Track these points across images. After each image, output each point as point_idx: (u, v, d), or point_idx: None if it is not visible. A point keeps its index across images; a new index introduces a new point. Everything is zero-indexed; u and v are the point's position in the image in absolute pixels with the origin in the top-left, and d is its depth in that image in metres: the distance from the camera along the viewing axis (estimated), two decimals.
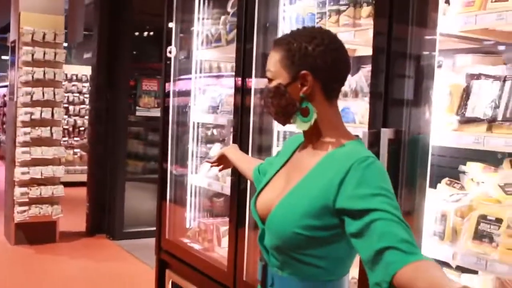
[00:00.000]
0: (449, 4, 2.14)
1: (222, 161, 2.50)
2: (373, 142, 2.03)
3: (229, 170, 3.39)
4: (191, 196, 3.88)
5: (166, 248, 3.78)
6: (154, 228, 7.85)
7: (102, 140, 7.83)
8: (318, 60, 1.63)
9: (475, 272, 2.21)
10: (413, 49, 2.03)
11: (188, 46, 3.83)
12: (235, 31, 3.55)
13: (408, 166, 2.01)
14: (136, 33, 8.10)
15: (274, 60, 1.68)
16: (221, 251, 3.40)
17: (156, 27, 8.45)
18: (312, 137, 1.71)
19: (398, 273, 1.34)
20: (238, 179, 2.95)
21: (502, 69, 2.16)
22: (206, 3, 3.86)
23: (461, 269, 2.20)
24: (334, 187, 1.54)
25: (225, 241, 3.40)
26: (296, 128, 1.70)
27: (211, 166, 2.59)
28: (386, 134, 2.00)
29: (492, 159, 2.34)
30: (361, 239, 1.46)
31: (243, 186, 2.93)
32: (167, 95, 3.79)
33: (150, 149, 8.28)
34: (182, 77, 3.81)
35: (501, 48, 2.45)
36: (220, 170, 2.58)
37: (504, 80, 2.01)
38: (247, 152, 2.88)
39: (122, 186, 7.74)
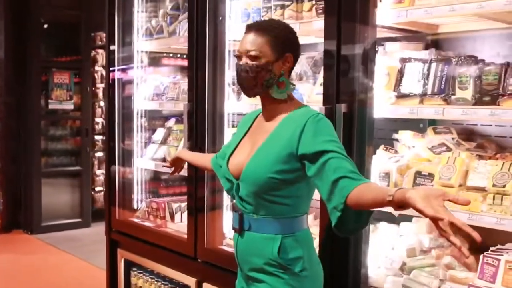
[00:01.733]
0: (380, 1, 2.65)
1: (177, 163, 2.94)
2: (329, 116, 2.50)
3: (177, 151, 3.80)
4: (137, 177, 4.21)
5: (117, 228, 4.10)
6: (73, 220, 8.08)
7: (14, 135, 7.90)
8: (295, 45, 2.24)
9: (410, 220, 2.76)
10: (356, 38, 2.51)
11: (129, 38, 4.14)
12: (175, 23, 3.95)
13: (358, 134, 2.50)
14: (45, 26, 8.17)
15: (261, 42, 2.17)
16: (174, 226, 3.78)
17: (64, 20, 8.58)
18: (274, 105, 2.24)
19: (350, 193, 1.86)
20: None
21: (426, 53, 2.72)
22: None
23: (401, 218, 2.74)
24: (296, 137, 2.09)
25: (177, 217, 3.79)
26: (275, 96, 2.21)
27: (166, 166, 3.01)
28: (341, 108, 2.48)
29: (416, 128, 2.90)
30: (319, 176, 1.99)
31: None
32: (111, 84, 4.10)
33: (53, 143, 8.41)
34: (123, 67, 4.13)
35: (420, 35, 3.01)
36: (172, 174, 3.02)
37: (430, 62, 2.55)
38: (204, 134, 3.29)
39: (38, 180, 7.86)
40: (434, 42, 2.98)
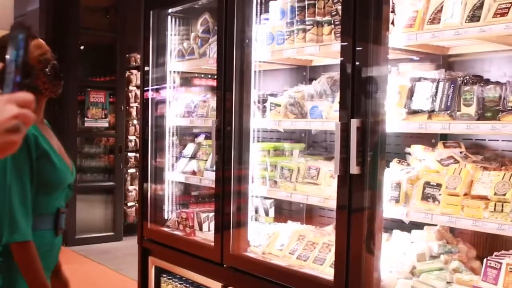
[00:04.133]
0: (393, 25, 2.88)
1: None
2: (344, 130, 2.73)
3: (206, 165, 4.06)
4: (168, 190, 4.46)
5: (148, 236, 4.35)
6: (106, 234, 8.37)
7: None
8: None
9: (422, 228, 2.96)
10: (370, 60, 2.74)
11: (162, 59, 4.42)
12: (205, 45, 4.22)
13: (371, 147, 2.71)
14: (82, 47, 8.56)
15: None
16: (202, 235, 4.01)
17: (101, 41, 8.97)
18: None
19: None
20: (222, 171, 3.59)
21: (435, 73, 2.94)
22: (175, 22, 4.48)
23: (412, 227, 2.94)
24: None
25: (205, 226, 4.03)
26: None
27: None
28: (354, 123, 2.70)
29: (429, 143, 3.11)
30: None
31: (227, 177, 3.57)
32: (145, 103, 4.38)
33: (88, 160, 8.74)
34: (156, 86, 4.41)
35: (432, 57, 3.22)
36: None
37: (438, 82, 2.76)
38: (230, 148, 3.53)
39: (73, 195, 8.17)
40: (445, 63, 3.19)
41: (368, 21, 2.72)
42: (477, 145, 3.04)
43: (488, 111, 2.53)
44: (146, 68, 4.42)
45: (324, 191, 3.18)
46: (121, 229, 8.56)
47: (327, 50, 3.19)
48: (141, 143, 4.52)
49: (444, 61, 3.19)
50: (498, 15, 2.49)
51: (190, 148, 4.42)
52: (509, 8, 2.47)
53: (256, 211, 3.91)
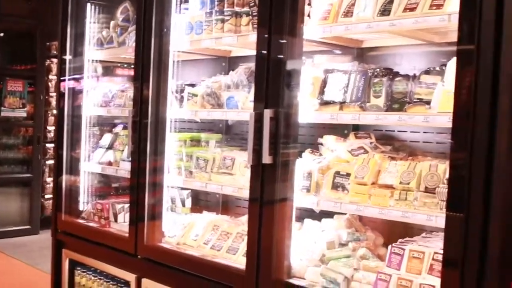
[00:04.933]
0: (310, 17, 2.93)
1: None
2: (258, 120, 2.75)
3: (123, 155, 4.01)
4: (84, 181, 4.39)
5: (63, 229, 4.27)
6: (22, 227, 8.13)
7: None
8: None
9: (332, 217, 3.03)
10: (285, 51, 2.77)
11: (81, 48, 4.33)
12: (125, 34, 4.17)
13: (283, 137, 2.75)
14: (1, 34, 8.29)
15: None
16: (117, 226, 3.97)
17: (20, 29, 8.70)
18: None
19: None
20: (138, 162, 3.56)
21: (348, 65, 3.01)
22: (95, 9, 4.40)
23: (324, 215, 3.01)
24: None
25: (121, 217, 3.98)
26: None
27: None
28: (268, 113, 2.73)
29: (341, 133, 3.18)
30: None
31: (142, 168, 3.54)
32: (62, 93, 4.29)
33: (5, 152, 8.48)
34: (75, 76, 4.32)
35: (347, 50, 3.30)
36: None
37: (350, 74, 2.83)
38: (146, 138, 3.50)
39: None
40: (359, 56, 3.27)
41: (284, 13, 2.77)
42: (387, 136, 3.13)
43: (396, 103, 2.61)
44: (63, 57, 4.33)
45: (238, 181, 3.20)
46: (38, 222, 8.34)
47: (245, 41, 3.22)
48: (56, 133, 4.43)
49: (359, 53, 3.27)
50: (408, 10, 2.57)
51: (107, 138, 4.36)
52: (418, 3, 2.55)
53: (173, 202, 3.90)
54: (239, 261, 3.07)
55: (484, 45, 2.05)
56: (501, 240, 2.04)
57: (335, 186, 2.76)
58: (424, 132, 2.98)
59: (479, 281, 2.08)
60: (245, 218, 3.41)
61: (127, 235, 3.67)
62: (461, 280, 2.11)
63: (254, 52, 2.89)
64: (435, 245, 2.54)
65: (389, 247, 2.60)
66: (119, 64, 4.85)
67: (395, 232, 2.96)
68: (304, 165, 2.91)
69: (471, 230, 2.08)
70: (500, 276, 2.04)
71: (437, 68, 2.57)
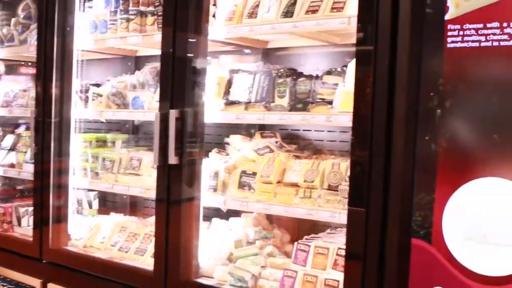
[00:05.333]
0: (215, 18, 2.94)
1: None
2: (164, 120, 2.74)
3: (26, 157, 3.88)
4: None
5: None
6: None
7: None
8: None
9: (240, 216, 3.05)
10: (191, 51, 2.77)
11: None
12: (27, 32, 4.03)
13: (191, 138, 2.75)
14: None
15: None
16: (21, 231, 3.84)
17: None
18: None
19: None
20: (41, 164, 3.45)
21: (253, 66, 3.04)
22: None
23: (232, 214, 3.03)
24: None
25: (24, 221, 3.85)
26: None
27: None
28: (173, 114, 2.72)
29: (247, 133, 3.21)
30: None
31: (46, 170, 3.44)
32: None
33: None
34: None
35: (253, 50, 3.33)
36: None
37: (255, 74, 2.86)
38: (50, 139, 3.40)
39: None
40: (265, 56, 3.31)
41: (189, 13, 2.76)
42: (292, 135, 3.18)
43: (300, 103, 2.66)
44: None
45: (145, 181, 3.17)
46: None
47: (150, 41, 3.18)
48: None
49: (264, 54, 3.31)
50: (310, 12, 2.63)
51: (9, 140, 4.20)
52: (319, 6, 2.61)
53: (80, 204, 3.80)
54: (147, 262, 3.04)
55: (381, 47, 2.13)
56: (399, 233, 2.11)
57: (241, 185, 2.78)
58: (328, 131, 3.06)
59: (379, 273, 2.16)
60: (153, 219, 3.37)
61: (31, 239, 3.56)
62: (363, 273, 2.18)
63: (159, 52, 2.87)
64: (339, 241, 2.61)
65: (295, 244, 2.65)
66: (23, 63, 4.68)
67: (301, 229, 3.02)
68: (211, 164, 2.92)
69: (371, 224, 2.16)
70: (399, 268, 2.12)
71: (339, 69, 2.63)
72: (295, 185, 2.64)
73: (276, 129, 3.18)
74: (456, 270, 1.97)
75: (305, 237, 2.73)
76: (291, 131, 3.19)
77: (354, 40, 2.23)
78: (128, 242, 3.24)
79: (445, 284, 2.00)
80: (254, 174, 2.76)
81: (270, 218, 3.10)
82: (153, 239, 2.99)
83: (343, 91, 2.49)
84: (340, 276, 2.39)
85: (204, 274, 2.82)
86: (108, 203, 4.07)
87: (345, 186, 2.42)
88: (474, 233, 1.96)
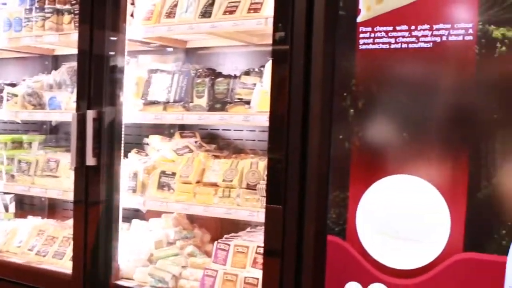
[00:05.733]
0: (133, 17, 2.90)
1: None
2: (81, 121, 2.68)
3: None
4: None
5: None
6: None
7: None
8: None
9: (159, 216, 3.03)
10: (108, 50, 2.72)
11: None
12: None
13: (108, 138, 2.70)
14: None
15: None
16: None
17: None
18: None
19: None
20: None
21: (172, 66, 3.02)
22: None
23: (152, 215, 3.00)
24: None
25: None
26: None
27: None
28: (91, 114, 2.66)
29: (167, 133, 3.19)
30: None
31: None
32: None
33: None
34: None
35: (172, 50, 3.30)
36: None
37: (174, 74, 2.85)
38: None
39: None
40: (185, 56, 3.29)
41: (106, 11, 2.71)
42: (212, 134, 3.18)
43: (218, 103, 2.66)
44: None
45: (63, 183, 3.10)
46: None
47: (67, 40, 3.11)
48: None
49: (184, 54, 3.29)
50: (228, 13, 2.63)
51: None
52: (237, 7, 2.62)
53: None
54: (66, 266, 2.96)
55: (296, 47, 2.15)
56: (315, 230, 2.15)
57: (161, 186, 2.76)
58: (248, 130, 3.07)
59: (297, 270, 2.18)
60: (72, 221, 3.30)
61: None
62: (281, 270, 2.21)
63: (77, 51, 2.81)
64: (258, 239, 2.62)
65: (215, 243, 2.65)
66: None
67: (222, 228, 3.03)
68: (130, 165, 2.88)
69: (288, 222, 2.18)
70: (315, 264, 2.15)
71: (256, 69, 2.65)
72: (214, 184, 2.64)
73: (196, 129, 3.17)
74: (370, 265, 2.02)
75: (225, 236, 2.74)
76: (210, 130, 3.19)
77: (271, 41, 2.24)
78: (46, 245, 3.15)
79: (359, 278, 2.04)
80: (174, 174, 2.74)
81: (191, 218, 3.08)
82: (72, 241, 2.92)
83: (260, 91, 2.51)
84: (259, 274, 2.40)
85: (124, 276, 2.78)
86: (25, 206, 3.94)
87: (263, 185, 2.44)
88: (387, 228, 2.01)
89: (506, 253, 1.83)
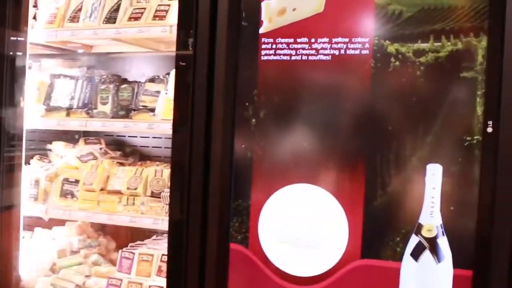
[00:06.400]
0: (36, 20, 2.80)
1: None
2: None
3: None
4: None
5: None
6: None
7: None
8: None
9: (63, 225, 2.93)
10: (9, 52, 2.61)
11: None
12: None
13: (9, 145, 2.59)
14: None
15: None
16: None
17: None
18: None
19: None
20: None
21: (76, 71, 2.93)
22: None
23: (57, 223, 2.90)
24: None
25: None
26: None
27: None
28: None
29: (72, 139, 3.09)
30: None
31: None
32: None
33: None
34: None
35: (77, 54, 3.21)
36: None
37: (77, 79, 2.76)
38: None
39: None
40: (90, 61, 3.20)
41: (6, 12, 2.60)
42: (117, 141, 3.11)
43: (122, 110, 2.61)
44: None
45: None
46: None
47: None
48: None
49: (89, 59, 3.20)
50: (133, 19, 2.58)
51: None
52: (142, 13, 2.57)
53: None
54: None
55: (200, 56, 2.13)
56: (218, 238, 2.14)
57: (64, 194, 2.67)
58: (154, 137, 3.02)
59: (200, 278, 2.17)
60: None
61: None
62: (184, 278, 2.18)
63: None
64: (163, 247, 2.59)
65: (120, 251, 2.60)
66: None
67: (128, 236, 2.97)
68: (32, 172, 2.77)
69: (191, 230, 2.16)
70: (218, 273, 2.15)
71: (161, 77, 2.62)
72: (118, 192, 2.59)
73: (102, 135, 3.09)
74: (272, 273, 2.03)
75: (130, 244, 2.69)
76: (116, 137, 3.12)
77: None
78: None
79: (262, 286, 2.05)
80: (77, 181, 2.66)
81: (96, 225, 3.00)
82: None
83: (165, 99, 2.48)
84: (164, 282, 2.37)
85: (26, 286, 2.67)
86: None
87: (167, 193, 2.41)
88: (288, 236, 2.03)
89: (400, 259, 1.89)
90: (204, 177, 2.14)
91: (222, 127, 2.12)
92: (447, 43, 1.84)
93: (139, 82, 2.68)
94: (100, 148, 2.92)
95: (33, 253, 2.78)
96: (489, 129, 1.79)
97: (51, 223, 2.90)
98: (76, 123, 2.66)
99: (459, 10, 1.84)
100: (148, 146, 3.04)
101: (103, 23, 2.62)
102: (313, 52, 2.00)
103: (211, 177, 2.14)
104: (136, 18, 2.57)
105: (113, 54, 3.11)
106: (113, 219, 2.54)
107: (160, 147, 2.98)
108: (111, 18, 2.62)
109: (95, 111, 2.64)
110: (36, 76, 2.83)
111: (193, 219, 2.16)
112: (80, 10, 2.72)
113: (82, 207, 2.61)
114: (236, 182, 2.10)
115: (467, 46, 1.82)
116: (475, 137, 1.81)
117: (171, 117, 2.22)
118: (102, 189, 2.63)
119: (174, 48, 2.50)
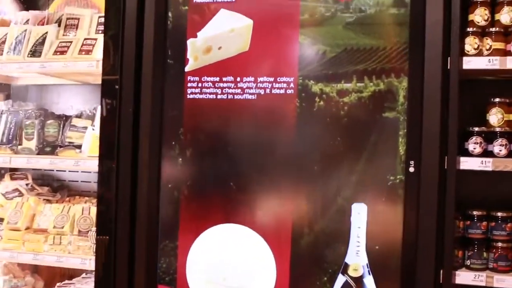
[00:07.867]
0: None
1: None
2: None
3: None
4: None
5: None
6: None
7: None
8: None
9: None
10: None
11: None
12: None
13: None
14: None
15: None
16: None
17: None
18: None
19: None
20: None
21: (2, 104, 2.80)
22: None
23: None
24: None
25: None
26: None
27: None
28: None
29: None
30: None
31: None
32: None
33: None
34: None
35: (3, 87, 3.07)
36: None
37: (1, 114, 2.64)
38: None
39: None
40: (17, 94, 3.06)
41: None
42: (45, 175, 2.97)
43: (48, 146, 2.51)
44: None
45: None
46: None
47: None
48: None
49: (15, 91, 3.06)
50: (58, 53, 2.49)
51: None
52: (68, 47, 2.48)
53: None
54: None
55: (125, 94, 2.06)
56: (145, 281, 2.06)
57: None
58: (83, 172, 2.90)
59: None
60: None
61: None
62: None
63: None
64: (92, 286, 2.47)
65: None
66: None
67: (57, 274, 2.83)
68: None
69: (119, 271, 2.07)
70: None
71: (88, 112, 2.53)
72: (45, 231, 2.47)
73: (29, 170, 2.95)
74: None
75: (58, 284, 2.56)
76: (44, 171, 2.98)
77: None
78: None
79: None
80: (2, 220, 2.53)
81: (23, 264, 2.86)
82: None
83: (92, 135, 2.39)
84: None
85: None
86: None
87: (94, 232, 2.31)
88: (215, 277, 1.97)
89: None
90: (131, 218, 2.06)
91: (147, 167, 2.05)
92: (370, 84, 1.84)
93: (66, 116, 2.58)
94: (27, 184, 2.78)
95: None
96: (411, 169, 1.78)
97: None
98: (0, 159, 2.53)
99: (381, 51, 1.83)
100: (77, 181, 2.92)
101: (28, 56, 2.52)
102: (238, 91, 1.95)
103: (137, 218, 2.06)
104: (62, 52, 2.48)
105: (41, 86, 2.98)
106: (39, 259, 2.42)
107: (90, 182, 2.86)
108: (36, 52, 2.52)
109: (19, 147, 2.53)
110: None
111: (120, 261, 2.07)
112: (4, 42, 2.61)
113: (7, 247, 2.47)
114: (163, 223, 2.03)
115: (388, 86, 1.82)
116: (398, 177, 1.80)
117: (97, 153, 2.14)
118: (27, 228, 2.50)
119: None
